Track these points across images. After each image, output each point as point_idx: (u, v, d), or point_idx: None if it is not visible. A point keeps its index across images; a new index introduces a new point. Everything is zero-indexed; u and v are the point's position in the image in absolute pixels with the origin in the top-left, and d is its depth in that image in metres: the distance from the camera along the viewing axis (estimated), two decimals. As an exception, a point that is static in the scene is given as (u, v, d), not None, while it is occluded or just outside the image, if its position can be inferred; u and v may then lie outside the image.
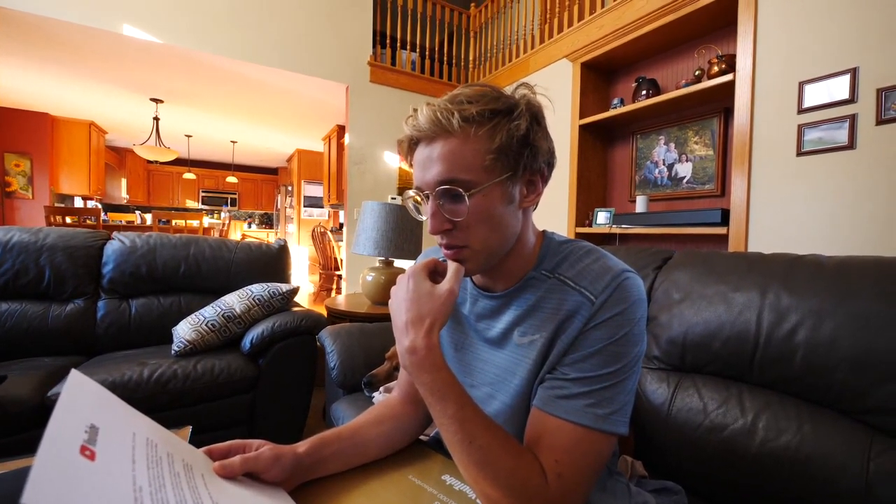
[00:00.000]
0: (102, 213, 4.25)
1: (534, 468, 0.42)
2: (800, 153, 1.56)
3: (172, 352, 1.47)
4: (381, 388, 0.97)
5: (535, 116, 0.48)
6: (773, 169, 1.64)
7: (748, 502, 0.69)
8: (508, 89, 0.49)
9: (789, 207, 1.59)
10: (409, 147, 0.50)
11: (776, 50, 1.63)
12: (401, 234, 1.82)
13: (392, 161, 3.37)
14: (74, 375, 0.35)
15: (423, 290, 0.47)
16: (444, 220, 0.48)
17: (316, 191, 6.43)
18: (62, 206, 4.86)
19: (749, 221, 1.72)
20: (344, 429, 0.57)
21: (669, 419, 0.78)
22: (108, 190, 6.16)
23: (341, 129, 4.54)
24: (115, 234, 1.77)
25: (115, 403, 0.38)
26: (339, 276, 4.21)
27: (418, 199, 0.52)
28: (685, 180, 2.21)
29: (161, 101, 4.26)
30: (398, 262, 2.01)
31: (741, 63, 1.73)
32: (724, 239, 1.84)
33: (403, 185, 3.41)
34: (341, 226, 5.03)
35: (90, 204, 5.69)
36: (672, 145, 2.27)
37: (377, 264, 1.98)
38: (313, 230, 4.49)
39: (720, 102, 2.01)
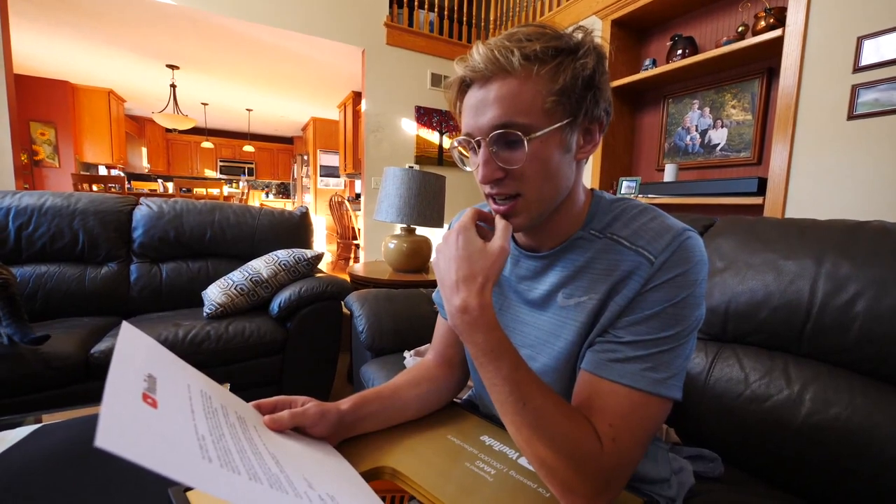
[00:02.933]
0: (126, 182, 4.32)
1: (588, 431, 0.41)
2: (851, 116, 1.45)
3: (204, 314, 1.52)
4: (413, 352, 0.98)
5: (601, 57, 0.44)
6: (820, 134, 1.54)
7: (789, 471, 0.68)
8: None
9: (834, 175, 1.50)
10: (459, 90, 0.46)
11: (834, 1, 1.48)
12: (423, 201, 1.80)
13: (410, 128, 3.29)
14: (127, 327, 0.35)
15: (474, 247, 0.44)
16: (496, 169, 0.44)
17: (332, 160, 6.38)
18: (88, 174, 4.96)
19: (788, 190, 1.63)
20: (383, 388, 0.58)
21: (707, 388, 0.77)
22: (129, 159, 6.24)
23: (357, 96, 4.44)
24: (142, 199, 1.79)
25: (166, 355, 0.38)
26: (357, 245, 4.24)
27: (464, 149, 0.48)
28: (719, 147, 2.09)
29: (177, 68, 4.22)
30: (420, 230, 2.00)
31: (792, 17, 1.59)
32: (758, 209, 1.76)
33: (421, 153, 3.34)
34: (358, 195, 5.01)
35: (113, 172, 5.79)
36: (707, 110, 2.14)
37: (398, 232, 1.97)
38: (331, 199, 4.49)
39: (764, 62, 1.86)
